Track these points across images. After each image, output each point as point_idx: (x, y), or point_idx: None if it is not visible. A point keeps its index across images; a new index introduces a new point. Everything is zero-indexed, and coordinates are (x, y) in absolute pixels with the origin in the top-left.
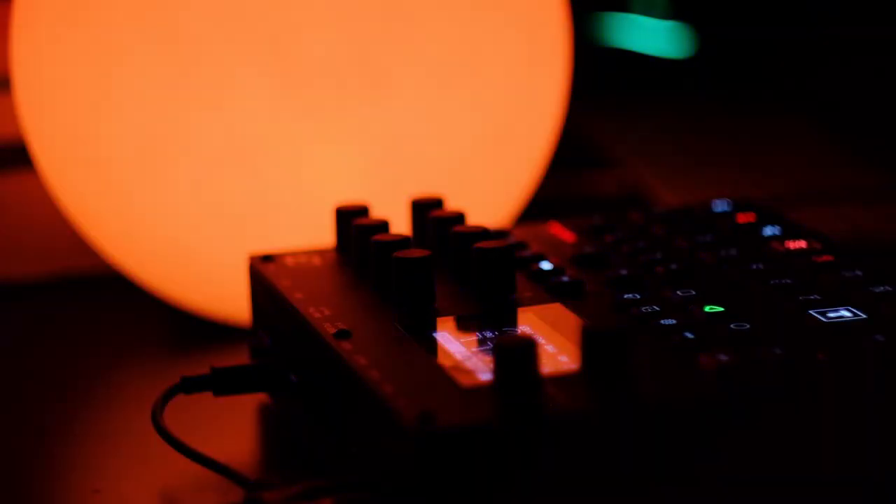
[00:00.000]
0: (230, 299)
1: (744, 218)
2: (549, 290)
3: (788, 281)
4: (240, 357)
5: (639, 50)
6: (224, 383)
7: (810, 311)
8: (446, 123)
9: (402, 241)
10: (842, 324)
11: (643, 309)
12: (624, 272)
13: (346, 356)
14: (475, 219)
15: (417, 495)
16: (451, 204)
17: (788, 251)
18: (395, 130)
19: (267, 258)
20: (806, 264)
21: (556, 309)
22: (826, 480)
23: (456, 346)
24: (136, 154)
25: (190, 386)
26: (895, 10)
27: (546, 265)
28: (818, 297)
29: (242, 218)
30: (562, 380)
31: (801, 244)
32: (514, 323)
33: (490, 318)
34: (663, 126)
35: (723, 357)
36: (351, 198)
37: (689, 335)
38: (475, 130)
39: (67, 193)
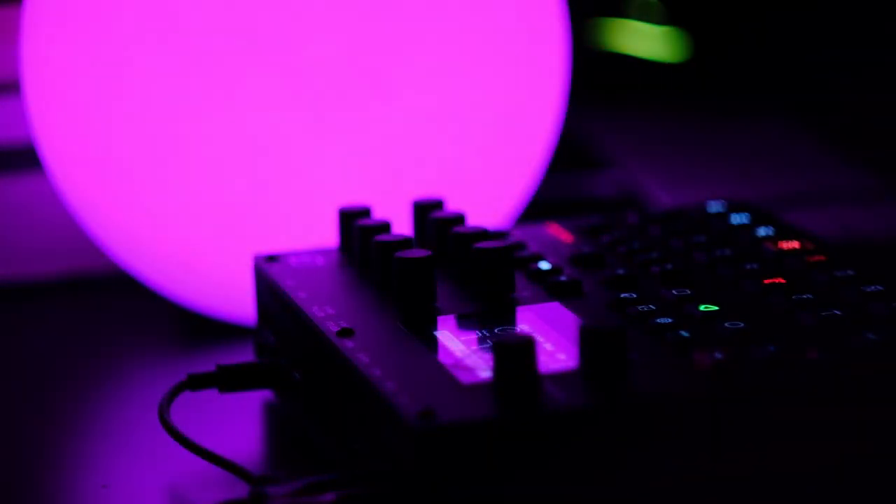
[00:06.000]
0: (235, 298)
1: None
2: (548, 289)
3: (782, 280)
4: (245, 355)
5: (635, 54)
6: (229, 380)
7: (803, 310)
8: (447, 126)
9: (403, 242)
10: (834, 323)
11: (639, 308)
12: (621, 272)
13: (349, 354)
14: (475, 220)
15: (418, 490)
16: (452, 205)
17: (781, 251)
18: (397, 133)
19: (271, 258)
20: (799, 264)
21: (555, 308)
22: (821, 478)
23: (456, 345)
24: (142, 155)
25: (196, 383)
26: (885, 11)
27: (544, 265)
28: (811, 297)
29: (247, 219)
30: (560, 377)
31: (794, 244)
32: (513, 321)
33: (490, 316)
34: (659, 128)
35: (717, 355)
36: (353, 199)
37: (684, 334)
38: (475, 133)
39: (75, 194)
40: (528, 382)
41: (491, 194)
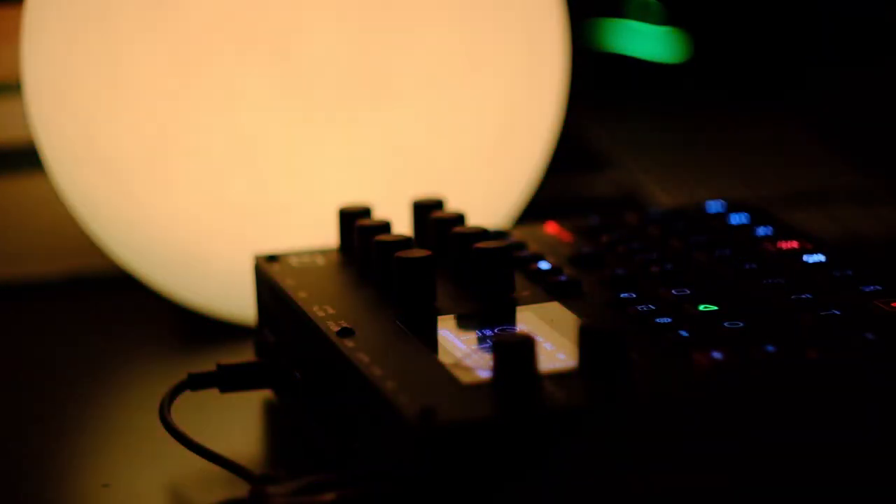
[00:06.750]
0: (236, 298)
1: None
2: (547, 289)
3: (781, 280)
4: (245, 355)
5: (635, 54)
6: (230, 380)
7: (802, 310)
8: (447, 127)
9: (403, 242)
10: (833, 323)
11: (639, 308)
12: (620, 272)
13: (349, 354)
14: (475, 220)
15: (419, 489)
16: (452, 205)
17: (781, 251)
18: (397, 133)
19: (272, 258)
20: (798, 264)
21: (554, 307)
22: (819, 478)
23: (456, 344)
24: (144, 156)
25: (196, 383)
26: (884, 13)
27: (544, 265)
28: (810, 297)
29: (248, 219)
30: (559, 377)
31: (793, 244)
32: (512, 321)
33: (489, 316)
34: (659, 129)
35: (717, 355)
36: (354, 199)
37: (683, 333)
38: (475, 133)
39: (76, 195)
40: (528, 382)
41: (491, 195)
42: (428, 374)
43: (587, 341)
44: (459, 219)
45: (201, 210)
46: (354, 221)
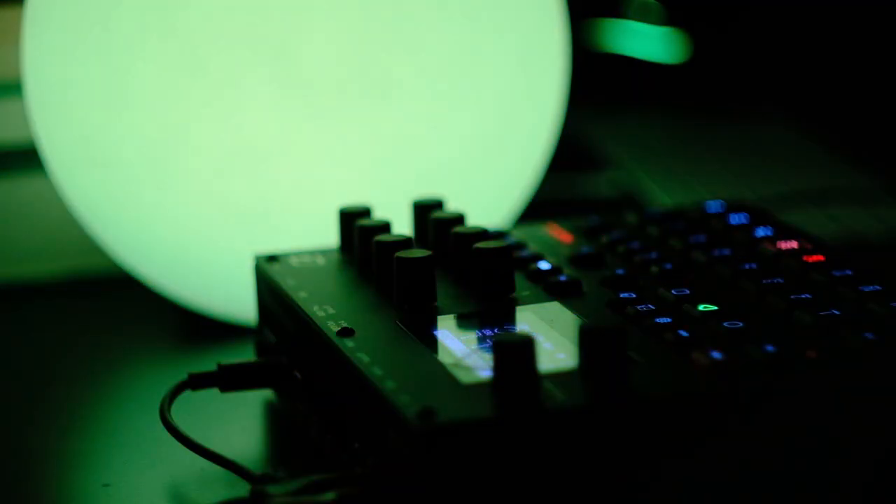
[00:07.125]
0: (236, 298)
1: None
2: (547, 289)
3: (780, 280)
4: (245, 354)
5: (635, 55)
6: (230, 380)
7: (801, 310)
8: (447, 127)
9: (403, 242)
10: (832, 322)
11: (638, 307)
12: (620, 272)
13: (349, 353)
14: (475, 220)
15: (419, 489)
16: (452, 205)
17: (780, 251)
18: (397, 134)
19: (272, 258)
20: (797, 264)
21: (554, 307)
22: (818, 477)
23: (456, 344)
24: (144, 156)
25: (197, 382)
26: (884, 14)
27: (544, 265)
28: (810, 297)
29: (248, 219)
30: (559, 377)
31: (793, 244)
32: (512, 321)
33: (489, 316)
34: (658, 129)
35: (716, 355)
36: (354, 199)
37: (683, 333)
38: (475, 134)
39: (78, 195)
40: (528, 382)
41: (491, 195)
42: (428, 374)
43: (587, 341)
44: (459, 219)
45: (201, 210)
46: (354, 221)
